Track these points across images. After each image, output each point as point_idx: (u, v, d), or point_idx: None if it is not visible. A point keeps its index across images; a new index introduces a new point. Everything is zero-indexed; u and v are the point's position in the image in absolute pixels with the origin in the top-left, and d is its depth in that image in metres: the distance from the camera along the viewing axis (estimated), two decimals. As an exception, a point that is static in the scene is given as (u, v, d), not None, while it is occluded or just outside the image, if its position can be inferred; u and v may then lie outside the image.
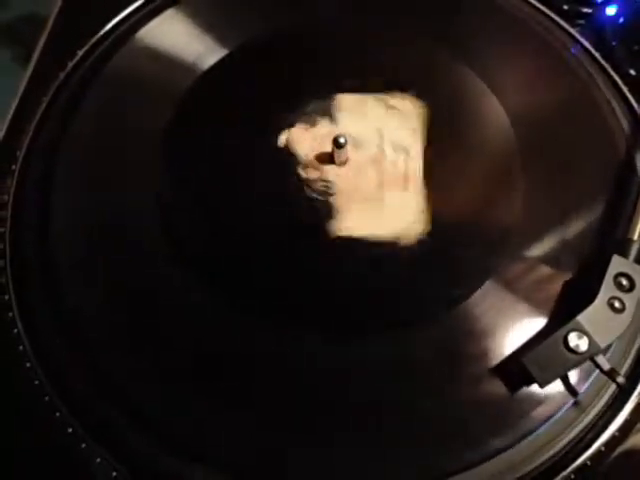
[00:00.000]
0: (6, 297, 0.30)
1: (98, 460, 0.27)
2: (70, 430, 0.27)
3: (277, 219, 0.31)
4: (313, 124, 0.34)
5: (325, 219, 0.31)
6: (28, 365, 0.29)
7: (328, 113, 0.34)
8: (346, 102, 0.34)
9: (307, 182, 0.32)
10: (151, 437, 0.27)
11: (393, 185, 0.32)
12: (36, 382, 0.28)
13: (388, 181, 0.32)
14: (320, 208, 0.31)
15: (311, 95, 0.34)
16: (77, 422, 0.27)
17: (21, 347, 0.29)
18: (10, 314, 0.30)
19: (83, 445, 0.27)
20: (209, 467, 0.27)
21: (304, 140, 0.33)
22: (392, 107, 0.34)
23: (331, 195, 0.32)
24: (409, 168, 0.33)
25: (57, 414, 0.28)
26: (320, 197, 0.32)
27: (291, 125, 0.34)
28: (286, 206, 0.32)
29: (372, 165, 0.33)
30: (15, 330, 0.29)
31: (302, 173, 0.32)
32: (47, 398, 0.28)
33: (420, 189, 0.32)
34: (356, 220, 0.31)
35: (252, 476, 0.27)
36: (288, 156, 0.33)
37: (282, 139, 0.33)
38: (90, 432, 0.27)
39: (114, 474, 0.27)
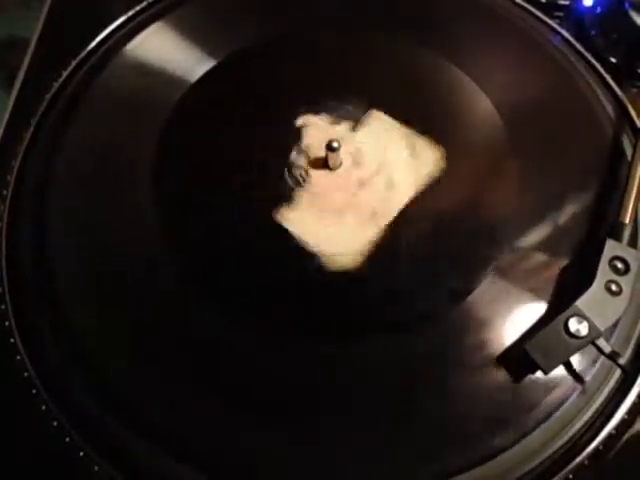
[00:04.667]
0: (6, 323, 0.30)
1: (96, 468, 0.27)
2: (68, 439, 0.27)
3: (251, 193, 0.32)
4: (336, 123, 0.34)
5: (278, 202, 0.31)
6: (25, 375, 0.28)
7: (355, 120, 0.34)
8: (377, 120, 0.34)
9: (290, 164, 0.33)
10: (150, 445, 0.27)
11: (360, 214, 0.31)
12: (33, 391, 0.28)
13: (358, 207, 0.32)
14: (282, 190, 0.32)
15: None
16: (75, 431, 0.27)
17: (18, 357, 0.29)
18: (7, 323, 0.30)
19: (81, 453, 0.27)
20: (213, 476, 0.26)
21: (317, 131, 0.33)
22: (414, 149, 0.33)
23: (301, 186, 0.32)
24: (385, 208, 0.32)
25: (55, 423, 0.27)
26: (290, 182, 0.32)
27: (317, 112, 0.34)
28: (263, 179, 0.32)
29: (356, 186, 0.32)
30: (12, 340, 0.29)
31: (292, 155, 0.33)
32: (44, 407, 0.28)
33: (380, 230, 0.31)
34: (303, 219, 0.31)
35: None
36: (294, 138, 0.33)
37: (300, 121, 0.34)
38: (88, 440, 0.27)
39: None
